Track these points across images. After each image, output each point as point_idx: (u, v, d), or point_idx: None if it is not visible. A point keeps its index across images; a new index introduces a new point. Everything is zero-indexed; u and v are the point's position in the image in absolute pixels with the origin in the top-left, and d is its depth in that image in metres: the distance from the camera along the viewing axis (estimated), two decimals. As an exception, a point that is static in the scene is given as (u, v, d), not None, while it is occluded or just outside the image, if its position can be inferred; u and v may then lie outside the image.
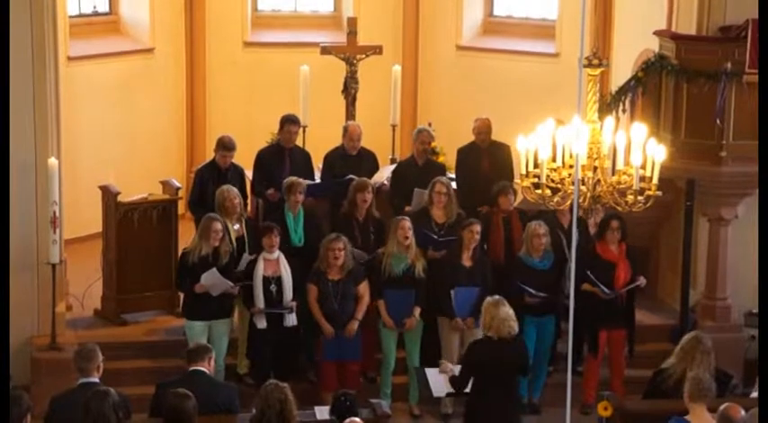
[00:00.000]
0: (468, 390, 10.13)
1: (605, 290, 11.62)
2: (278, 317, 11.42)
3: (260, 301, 11.40)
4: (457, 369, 10.24)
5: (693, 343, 9.79)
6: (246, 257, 11.63)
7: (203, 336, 11.26)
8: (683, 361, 9.74)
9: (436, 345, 11.77)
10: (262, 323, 11.44)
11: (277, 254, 11.47)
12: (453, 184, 12.58)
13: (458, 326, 11.52)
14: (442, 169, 13.04)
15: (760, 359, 8.58)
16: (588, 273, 11.61)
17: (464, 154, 12.99)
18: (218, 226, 11.36)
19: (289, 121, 12.87)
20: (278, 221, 11.79)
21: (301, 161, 12.86)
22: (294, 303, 11.46)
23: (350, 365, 11.53)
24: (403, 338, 11.81)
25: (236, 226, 11.81)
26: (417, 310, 11.67)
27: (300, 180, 12.09)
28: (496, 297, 10.16)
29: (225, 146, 12.47)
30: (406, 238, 11.55)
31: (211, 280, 11.28)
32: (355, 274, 11.50)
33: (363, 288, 11.56)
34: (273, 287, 11.42)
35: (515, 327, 10.00)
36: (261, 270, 11.41)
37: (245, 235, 11.84)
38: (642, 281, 11.84)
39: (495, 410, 9.96)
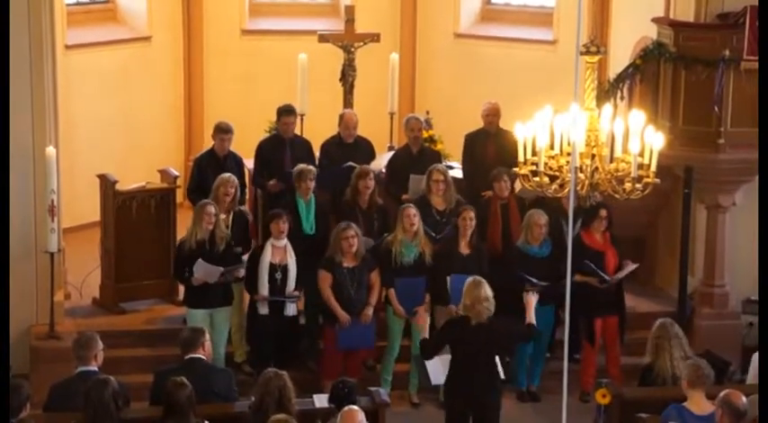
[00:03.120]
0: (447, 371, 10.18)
1: (606, 277, 11.64)
2: (279, 305, 11.42)
3: (264, 288, 11.38)
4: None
5: (661, 331, 9.83)
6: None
7: (204, 324, 11.22)
8: (658, 353, 9.76)
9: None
10: (264, 309, 11.43)
11: (285, 241, 11.45)
12: (451, 172, 12.60)
13: (451, 311, 11.54)
14: (437, 156, 13.05)
15: (760, 346, 8.59)
16: (587, 262, 11.61)
17: (471, 139, 13.01)
18: (211, 209, 11.33)
19: (285, 113, 12.85)
20: (289, 209, 11.75)
21: (302, 150, 12.84)
22: (297, 293, 11.46)
23: (355, 354, 11.54)
24: (409, 326, 11.81)
25: (223, 216, 11.75)
26: (428, 298, 11.67)
27: (310, 167, 12.04)
28: (477, 278, 10.16)
29: (221, 129, 12.47)
30: (412, 224, 11.55)
31: (203, 270, 11.27)
32: (368, 261, 11.50)
33: (375, 275, 11.56)
34: (279, 275, 11.39)
35: (492, 308, 9.99)
36: (268, 256, 11.38)
37: (230, 226, 11.74)
38: (632, 265, 11.84)
39: (470, 388, 9.97)
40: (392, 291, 11.63)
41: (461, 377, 10.01)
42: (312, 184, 11.93)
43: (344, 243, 11.31)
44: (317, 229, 11.94)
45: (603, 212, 11.72)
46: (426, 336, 10.27)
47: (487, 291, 10.00)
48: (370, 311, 11.48)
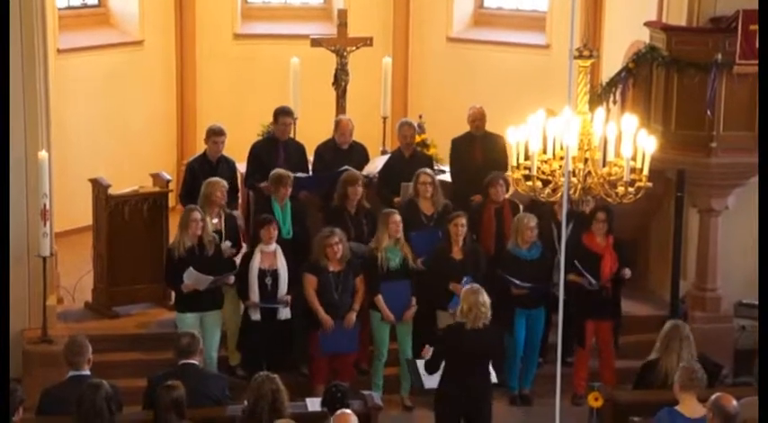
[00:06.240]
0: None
1: (592, 280, 11.62)
2: (272, 309, 11.41)
3: (255, 294, 11.37)
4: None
5: (673, 331, 9.86)
6: (227, 244, 11.59)
7: (195, 328, 11.21)
8: (667, 352, 9.78)
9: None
10: (256, 315, 11.42)
11: (274, 246, 11.45)
12: (439, 176, 12.62)
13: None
14: (429, 161, 13.05)
15: (760, 350, 8.60)
16: (575, 263, 11.62)
17: (458, 144, 13.01)
18: (197, 215, 11.31)
19: (283, 114, 12.87)
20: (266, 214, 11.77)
21: (295, 153, 12.86)
22: (289, 297, 11.46)
23: (344, 357, 11.53)
24: (395, 330, 11.80)
25: (215, 220, 11.74)
26: (414, 301, 11.66)
27: (289, 173, 12.07)
28: (475, 285, 10.21)
29: (214, 131, 12.48)
30: (397, 231, 11.55)
31: (193, 278, 11.26)
32: (354, 265, 11.50)
33: (360, 280, 11.56)
34: (269, 280, 11.38)
35: (489, 315, 10.02)
36: (257, 262, 11.38)
37: (223, 229, 11.77)
38: (627, 273, 11.84)
39: (464, 394, 9.98)
40: (379, 297, 11.62)
41: (455, 382, 10.01)
42: (289, 191, 11.94)
43: (329, 250, 11.30)
44: (295, 233, 11.94)
45: (601, 215, 11.70)
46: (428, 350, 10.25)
47: (485, 297, 10.03)
48: (353, 316, 11.47)
